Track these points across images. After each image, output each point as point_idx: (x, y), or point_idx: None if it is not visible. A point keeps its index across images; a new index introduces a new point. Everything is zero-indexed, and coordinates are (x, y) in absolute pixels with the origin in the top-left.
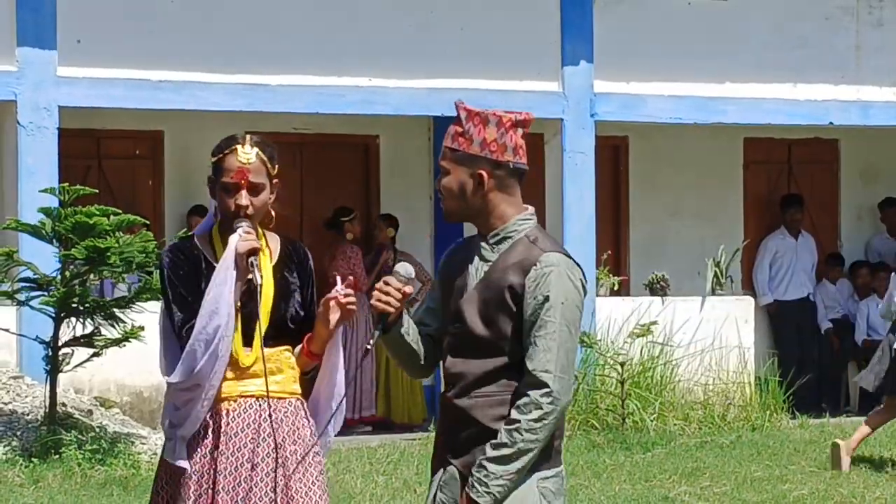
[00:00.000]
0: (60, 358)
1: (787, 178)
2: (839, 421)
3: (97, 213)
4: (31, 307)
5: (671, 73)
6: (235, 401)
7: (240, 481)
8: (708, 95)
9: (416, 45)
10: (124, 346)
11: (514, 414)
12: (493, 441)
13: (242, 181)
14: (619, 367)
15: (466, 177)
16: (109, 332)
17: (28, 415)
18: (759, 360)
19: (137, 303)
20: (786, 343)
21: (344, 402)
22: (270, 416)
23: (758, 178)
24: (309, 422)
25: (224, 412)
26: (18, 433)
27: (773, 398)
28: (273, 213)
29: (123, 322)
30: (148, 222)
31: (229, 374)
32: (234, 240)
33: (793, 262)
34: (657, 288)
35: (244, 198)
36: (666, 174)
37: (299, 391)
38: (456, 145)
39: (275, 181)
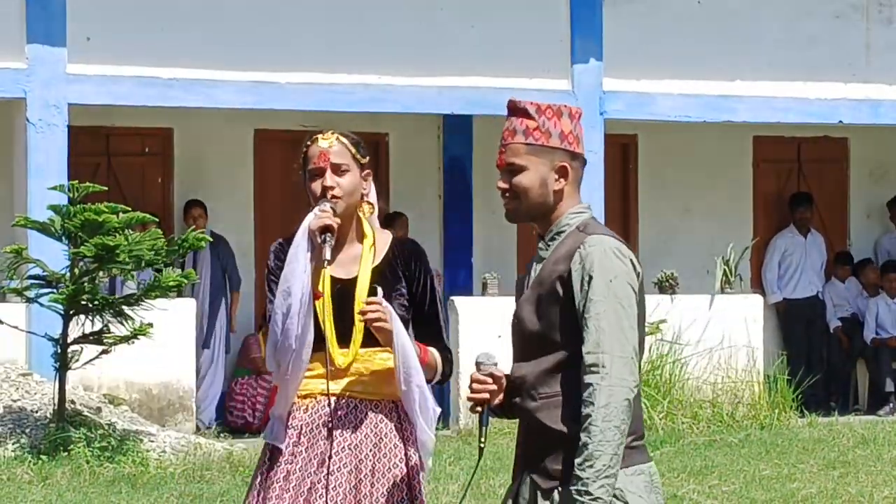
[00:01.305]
0: (69, 355)
1: (797, 176)
2: (848, 419)
3: (106, 210)
4: (41, 304)
5: (681, 71)
6: (315, 398)
7: (304, 477)
8: (718, 94)
9: (425, 43)
10: (133, 343)
11: (584, 410)
12: (578, 448)
13: (324, 163)
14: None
15: (547, 171)
16: (118, 330)
17: (37, 412)
18: (767, 358)
19: (146, 300)
20: (795, 341)
21: (426, 400)
22: (341, 416)
23: (767, 177)
24: (402, 425)
25: (303, 408)
26: (27, 430)
27: (782, 396)
28: (374, 204)
29: (132, 319)
30: (157, 219)
31: (319, 371)
32: (308, 218)
33: (802, 261)
34: (666, 286)
35: (329, 178)
36: (675, 172)
37: (395, 394)
38: (532, 140)
39: (366, 171)
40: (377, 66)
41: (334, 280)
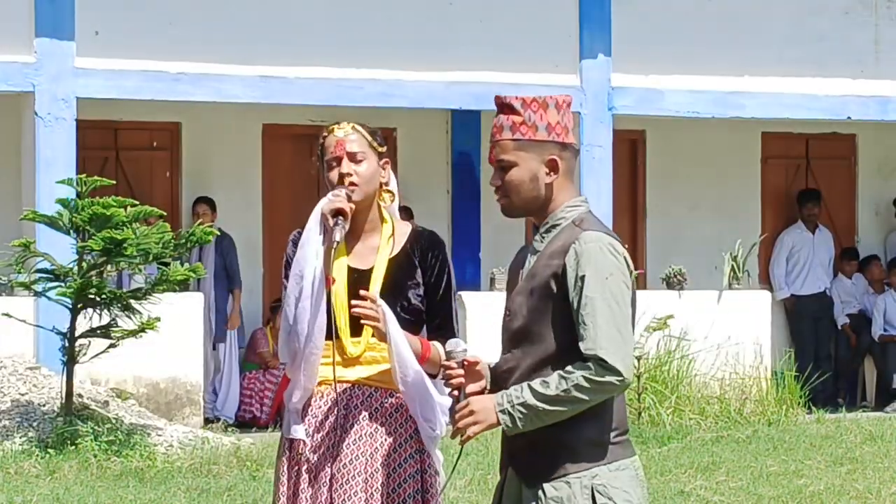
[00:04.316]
0: (77, 349)
1: (805, 172)
2: (856, 416)
3: (114, 204)
4: (48, 298)
5: (689, 66)
6: (330, 385)
7: (322, 466)
8: (726, 89)
9: (434, 37)
10: (141, 337)
11: (570, 367)
12: (543, 379)
13: (340, 151)
14: (635, 361)
15: (537, 164)
16: (126, 324)
17: (44, 406)
18: (775, 354)
19: (154, 294)
20: (802, 337)
21: (427, 396)
22: (357, 404)
23: (775, 173)
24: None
25: (318, 395)
26: (35, 424)
27: (790, 393)
28: (394, 193)
29: (140, 313)
30: (165, 214)
31: (336, 359)
32: (321, 203)
33: (810, 257)
34: (674, 282)
35: (345, 166)
36: (683, 168)
37: None
38: (519, 135)
39: (384, 160)
40: (386, 60)
41: (351, 270)
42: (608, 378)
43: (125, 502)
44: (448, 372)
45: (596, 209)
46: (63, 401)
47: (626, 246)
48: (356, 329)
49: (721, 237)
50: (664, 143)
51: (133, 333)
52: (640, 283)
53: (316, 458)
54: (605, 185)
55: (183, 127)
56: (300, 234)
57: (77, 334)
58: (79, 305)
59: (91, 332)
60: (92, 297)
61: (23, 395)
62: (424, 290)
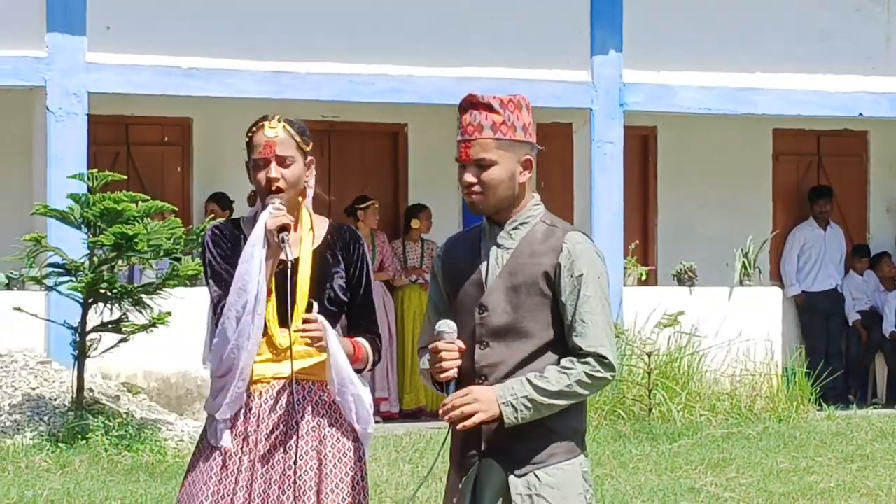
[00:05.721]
0: (88, 343)
1: (817, 169)
2: (866, 413)
3: (125, 199)
4: (60, 292)
5: (701, 63)
6: (269, 383)
7: (273, 464)
8: (737, 86)
9: (445, 33)
10: (152, 332)
11: (567, 363)
12: (540, 374)
13: (269, 154)
14: (646, 358)
15: (515, 164)
16: (137, 318)
17: (55, 400)
18: (786, 351)
19: (165, 289)
20: (813, 334)
21: (362, 404)
22: (298, 398)
23: (787, 170)
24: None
25: (257, 394)
26: (46, 418)
27: (800, 389)
28: (309, 189)
29: (151, 308)
30: (176, 209)
31: (266, 356)
32: (264, 216)
33: (821, 254)
34: (685, 278)
35: (273, 170)
36: (695, 165)
37: None
38: (500, 135)
39: (309, 158)
40: (397, 56)
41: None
42: (607, 374)
43: (136, 496)
44: (443, 354)
45: (607, 205)
46: (74, 395)
47: (637, 242)
48: (283, 322)
49: (732, 234)
50: (675, 139)
51: (144, 328)
52: (651, 279)
53: (261, 458)
54: (617, 181)
55: (194, 122)
56: (221, 232)
57: (88, 329)
58: (90, 300)
59: (102, 327)
60: (103, 291)
61: (34, 389)
62: (347, 283)
